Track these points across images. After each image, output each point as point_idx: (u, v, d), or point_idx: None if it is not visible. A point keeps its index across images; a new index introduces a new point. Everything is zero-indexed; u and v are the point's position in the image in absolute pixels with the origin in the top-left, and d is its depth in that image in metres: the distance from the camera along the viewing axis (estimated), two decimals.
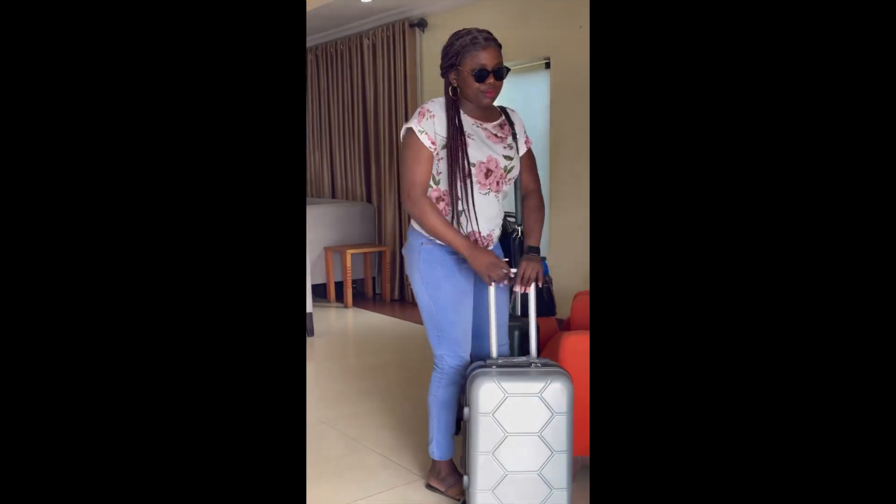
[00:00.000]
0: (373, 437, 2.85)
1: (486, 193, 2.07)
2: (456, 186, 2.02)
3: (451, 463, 2.33)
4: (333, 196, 6.51)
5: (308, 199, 6.35)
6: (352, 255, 5.55)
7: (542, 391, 1.96)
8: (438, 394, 2.23)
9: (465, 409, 2.00)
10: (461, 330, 2.15)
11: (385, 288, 5.74)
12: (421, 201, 2.03)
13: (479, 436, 1.98)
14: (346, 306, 5.52)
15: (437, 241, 2.09)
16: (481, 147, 2.04)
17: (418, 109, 2.07)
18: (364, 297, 5.91)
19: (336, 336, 4.69)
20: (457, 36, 2.02)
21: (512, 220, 2.32)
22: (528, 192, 2.23)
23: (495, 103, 2.13)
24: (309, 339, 4.52)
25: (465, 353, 2.18)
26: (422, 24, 5.29)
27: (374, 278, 5.96)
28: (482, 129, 2.08)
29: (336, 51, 6.16)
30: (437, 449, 2.30)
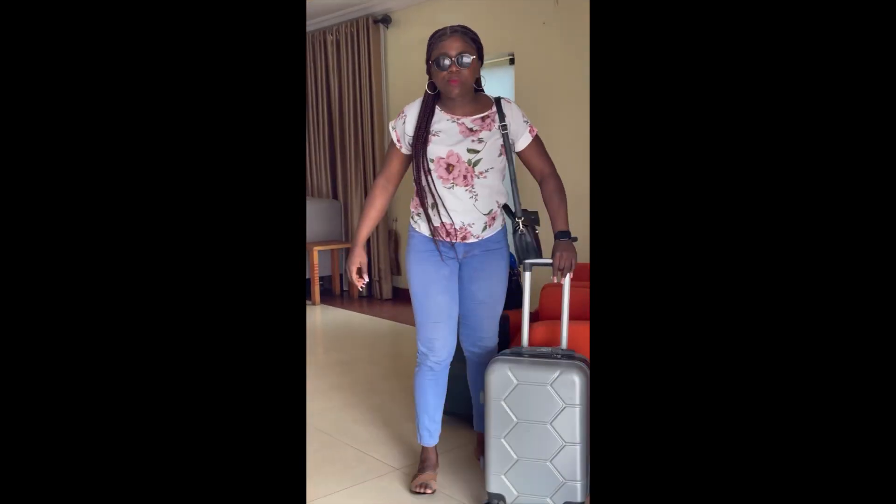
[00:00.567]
0: (346, 432, 2.86)
1: (450, 188, 2.12)
2: (420, 181, 2.14)
3: (428, 450, 2.38)
4: None
5: None
6: (319, 251, 5.54)
7: (553, 382, 1.99)
8: (414, 379, 2.33)
9: (480, 394, 2.11)
10: (429, 318, 2.22)
11: (353, 285, 5.73)
12: (373, 190, 2.26)
13: (491, 421, 2.06)
14: (313, 303, 5.50)
15: (418, 229, 2.22)
16: (444, 143, 2.11)
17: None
18: (331, 294, 5.90)
19: (310, 333, 4.68)
20: (433, 33, 2.11)
21: (517, 215, 2.31)
22: (542, 178, 2.25)
23: (492, 94, 2.21)
24: None
25: (435, 341, 2.24)
26: (386, 20, 5.29)
27: (341, 275, 5.95)
28: (457, 123, 2.13)
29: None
30: (418, 434, 2.37)
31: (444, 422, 2.39)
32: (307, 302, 5.56)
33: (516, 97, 4.56)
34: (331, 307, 5.40)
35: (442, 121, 2.14)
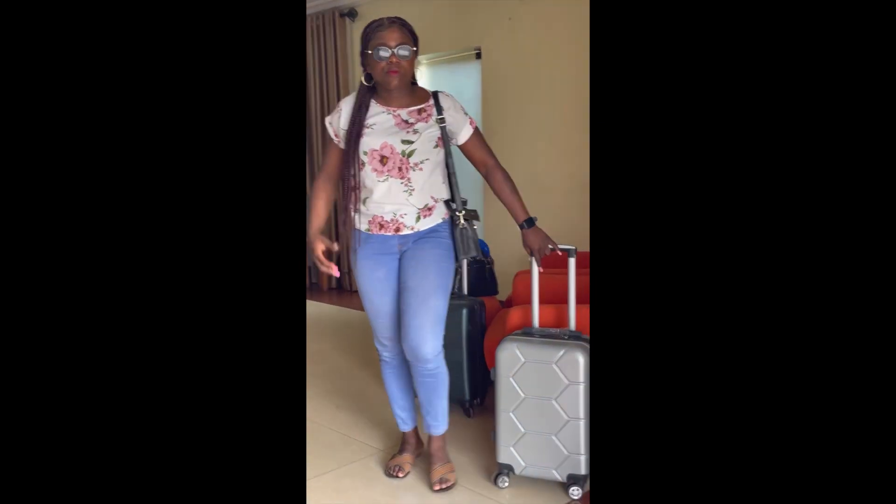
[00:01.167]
0: (328, 418, 2.93)
1: (384, 180, 2.11)
2: (354, 174, 2.15)
3: (406, 434, 2.45)
4: None
5: None
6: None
7: (557, 360, 2.12)
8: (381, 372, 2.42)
9: (492, 371, 2.23)
10: (377, 317, 2.26)
11: (322, 277, 5.77)
12: (316, 184, 2.25)
13: (500, 396, 2.21)
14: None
15: (360, 227, 2.20)
16: (378, 135, 2.11)
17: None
18: None
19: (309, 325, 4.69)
20: (367, 25, 2.09)
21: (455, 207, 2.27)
22: (488, 170, 2.25)
23: (430, 88, 2.22)
24: None
25: (383, 339, 2.30)
26: (352, 13, 5.33)
27: (309, 268, 5.98)
28: (392, 115, 2.13)
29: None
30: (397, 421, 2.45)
31: (454, 403, 2.48)
32: None
33: (483, 91, 4.68)
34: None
35: (377, 113, 2.13)
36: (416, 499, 2.23)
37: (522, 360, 2.16)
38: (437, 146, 2.14)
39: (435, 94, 2.19)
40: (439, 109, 2.16)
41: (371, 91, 2.15)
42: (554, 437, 2.15)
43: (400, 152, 2.10)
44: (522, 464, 2.20)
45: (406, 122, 2.13)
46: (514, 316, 2.55)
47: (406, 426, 2.44)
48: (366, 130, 2.11)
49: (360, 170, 2.13)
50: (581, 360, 2.10)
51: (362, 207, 2.17)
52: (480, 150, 2.25)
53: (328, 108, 5.54)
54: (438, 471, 2.27)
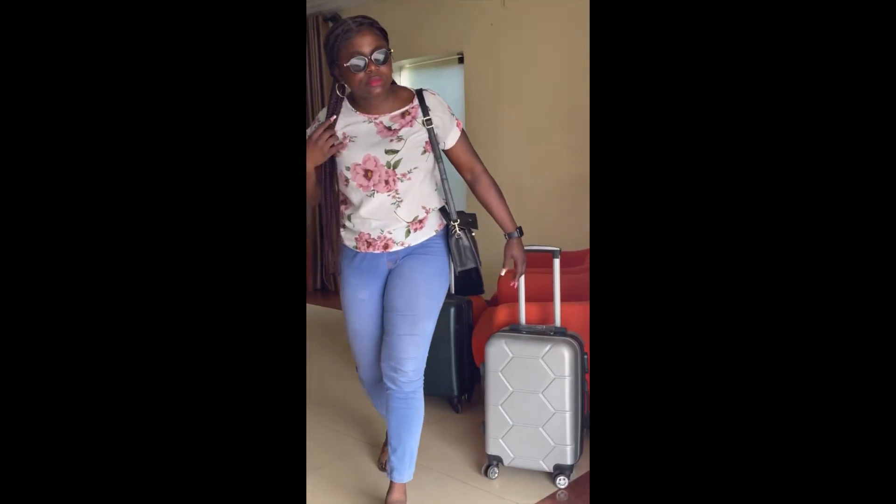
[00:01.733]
0: (317, 414, 3.02)
1: (370, 195, 1.93)
2: (336, 191, 2.02)
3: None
4: None
5: None
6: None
7: (543, 355, 2.23)
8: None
9: (480, 367, 2.31)
10: (355, 339, 2.12)
11: (308, 278, 5.84)
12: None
13: (489, 390, 2.30)
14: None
15: (347, 244, 2.05)
16: (360, 147, 1.92)
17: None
18: None
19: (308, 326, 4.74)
20: (331, 30, 1.85)
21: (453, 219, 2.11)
22: (474, 176, 2.09)
23: (412, 86, 2.04)
24: None
25: (360, 364, 2.18)
26: (335, 18, 5.39)
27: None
28: (374, 123, 1.94)
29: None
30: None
31: (443, 399, 2.52)
32: None
33: (466, 95, 4.77)
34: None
35: (357, 122, 1.94)
36: (410, 490, 2.31)
37: (510, 355, 2.26)
38: (424, 151, 1.95)
39: (419, 93, 1.99)
40: (425, 110, 1.95)
41: (347, 99, 1.97)
42: (541, 429, 2.25)
43: (385, 164, 1.90)
44: (511, 455, 2.30)
45: (389, 129, 1.93)
46: (502, 314, 2.65)
47: None
48: (347, 143, 1.92)
49: (344, 185, 1.96)
50: (567, 355, 2.21)
51: (347, 223, 2.01)
52: (467, 155, 2.07)
53: (313, 111, 5.60)
54: None
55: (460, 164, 2.08)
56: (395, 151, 1.91)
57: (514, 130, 4.53)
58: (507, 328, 2.41)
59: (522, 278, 2.27)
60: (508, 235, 2.12)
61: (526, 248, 2.49)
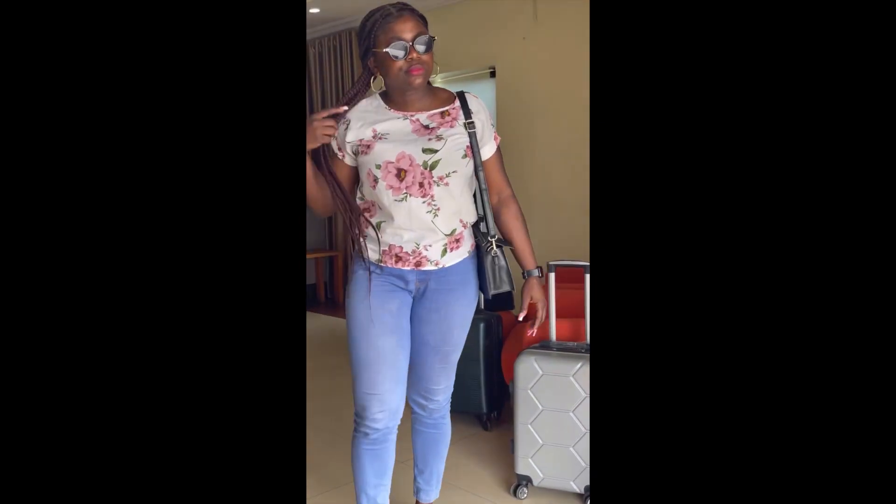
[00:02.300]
0: (348, 429, 2.98)
1: (401, 199, 1.68)
2: (361, 195, 1.78)
3: None
4: None
5: None
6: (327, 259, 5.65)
7: (574, 373, 2.18)
8: (351, 448, 1.90)
9: (510, 384, 2.26)
10: (367, 368, 1.76)
11: (338, 292, 5.84)
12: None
13: (518, 408, 2.26)
14: (320, 302, 5.60)
15: (362, 255, 1.77)
16: (393, 144, 1.69)
17: None
18: (317, 301, 6.00)
19: (311, 339, 4.76)
20: (368, 16, 1.69)
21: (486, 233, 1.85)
22: (502, 200, 1.86)
23: (454, 89, 1.85)
24: None
25: (372, 399, 1.78)
26: None
27: (325, 283, 6.06)
28: (410, 120, 1.73)
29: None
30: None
31: (472, 416, 2.46)
32: None
33: (497, 109, 4.76)
34: (317, 314, 5.50)
35: (390, 118, 1.73)
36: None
37: (540, 372, 2.22)
38: (465, 156, 1.72)
39: (461, 95, 1.80)
40: (467, 112, 1.75)
41: (380, 97, 1.78)
42: (571, 449, 2.20)
43: (421, 164, 1.68)
44: (541, 475, 2.25)
45: (427, 127, 1.72)
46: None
47: None
48: (377, 141, 1.70)
49: (371, 186, 1.71)
50: None
51: (373, 233, 1.74)
52: (499, 174, 1.86)
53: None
54: None
55: (489, 182, 1.83)
56: (434, 151, 1.69)
57: (546, 144, 4.49)
58: (537, 345, 2.36)
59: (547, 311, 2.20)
60: (528, 273, 1.87)
61: (557, 263, 2.48)
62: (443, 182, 1.70)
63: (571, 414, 2.18)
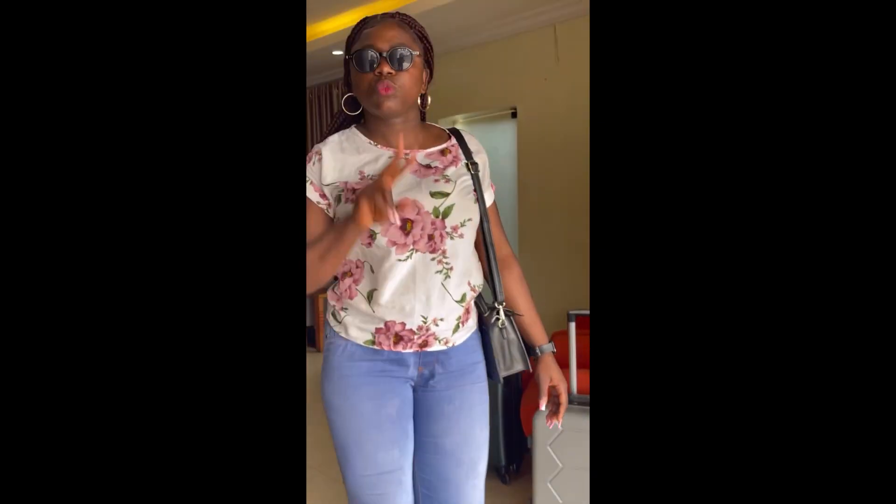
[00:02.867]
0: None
1: (405, 258, 1.31)
2: (350, 256, 1.36)
3: None
4: None
5: None
6: (324, 299, 5.59)
7: None
8: None
9: (528, 438, 2.17)
10: (379, 483, 1.35)
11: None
12: (309, 263, 1.31)
13: (537, 465, 2.17)
14: (318, 350, 5.53)
15: (345, 335, 1.38)
16: (393, 189, 1.27)
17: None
18: (315, 345, 5.92)
19: (311, 380, 4.70)
20: (357, 22, 1.41)
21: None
22: (502, 259, 1.48)
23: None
24: None
25: None
26: None
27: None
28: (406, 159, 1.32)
29: (306, 100, 6.29)
30: None
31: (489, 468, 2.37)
32: (312, 349, 5.58)
33: (519, 150, 4.72)
34: (318, 353, 5.42)
35: (381, 157, 1.35)
36: None
37: (560, 428, 2.12)
38: (476, 201, 1.39)
39: (456, 132, 1.48)
40: (467, 152, 1.42)
41: (354, 121, 1.43)
42: None
43: (431, 211, 1.32)
44: None
45: (428, 166, 1.38)
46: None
47: None
48: (359, 186, 1.33)
49: (364, 245, 1.32)
50: None
51: (363, 306, 1.34)
52: (498, 228, 1.49)
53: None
54: None
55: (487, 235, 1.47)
56: (445, 194, 1.33)
57: (568, 186, 4.43)
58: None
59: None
60: (541, 350, 1.49)
61: (580, 312, 2.37)
62: (457, 233, 1.34)
63: None
